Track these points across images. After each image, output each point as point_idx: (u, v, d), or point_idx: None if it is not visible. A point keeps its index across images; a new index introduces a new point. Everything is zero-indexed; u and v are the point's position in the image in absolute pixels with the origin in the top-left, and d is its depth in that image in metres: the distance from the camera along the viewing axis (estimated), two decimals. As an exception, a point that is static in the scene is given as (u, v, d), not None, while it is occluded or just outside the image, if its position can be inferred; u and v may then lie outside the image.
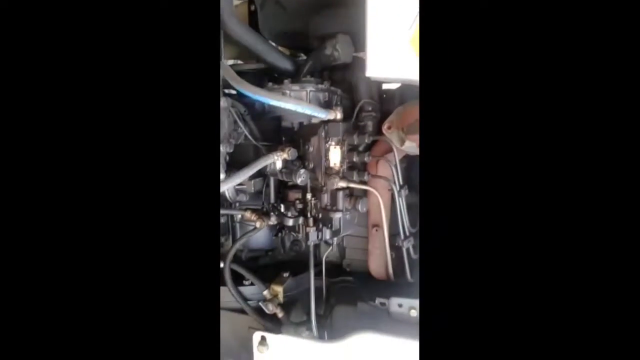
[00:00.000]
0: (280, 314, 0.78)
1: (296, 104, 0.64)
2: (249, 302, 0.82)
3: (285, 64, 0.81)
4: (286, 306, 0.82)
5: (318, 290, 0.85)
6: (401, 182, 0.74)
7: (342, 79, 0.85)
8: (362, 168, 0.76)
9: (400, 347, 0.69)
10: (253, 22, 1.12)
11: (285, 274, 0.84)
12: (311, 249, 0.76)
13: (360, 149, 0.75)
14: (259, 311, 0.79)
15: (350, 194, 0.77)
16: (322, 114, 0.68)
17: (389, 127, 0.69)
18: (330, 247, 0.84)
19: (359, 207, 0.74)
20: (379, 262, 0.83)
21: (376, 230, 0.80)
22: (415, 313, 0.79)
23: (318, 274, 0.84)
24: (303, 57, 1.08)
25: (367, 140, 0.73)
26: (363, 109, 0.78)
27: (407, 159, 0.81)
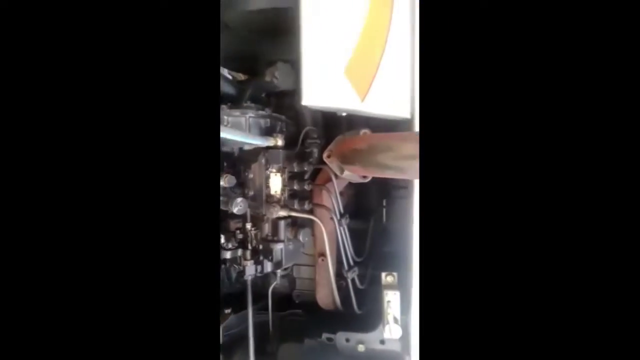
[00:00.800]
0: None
1: (229, 133, 0.61)
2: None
3: (227, 89, 0.79)
4: (227, 346, 0.76)
5: (265, 325, 0.79)
6: (342, 211, 0.72)
7: (289, 105, 0.84)
8: (304, 196, 0.73)
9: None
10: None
11: (227, 311, 0.78)
12: (249, 284, 0.71)
13: (306, 176, 0.73)
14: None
15: (294, 223, 0.74)
16: (259, 142, 0.66)
17: (329, 156, 0.68)
18: (276, 280, 0.80)
19: (300, 237, 0.71)
20: (326, 292, 0.80)
21: (322, 260, 0.77)
22: (362, 348, 0.75)
23: (265, 308, 0.79)
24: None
25: (307, 168, 0.71)
26: (308, 135, 0.77)
27: (354, 185, 0.80)
